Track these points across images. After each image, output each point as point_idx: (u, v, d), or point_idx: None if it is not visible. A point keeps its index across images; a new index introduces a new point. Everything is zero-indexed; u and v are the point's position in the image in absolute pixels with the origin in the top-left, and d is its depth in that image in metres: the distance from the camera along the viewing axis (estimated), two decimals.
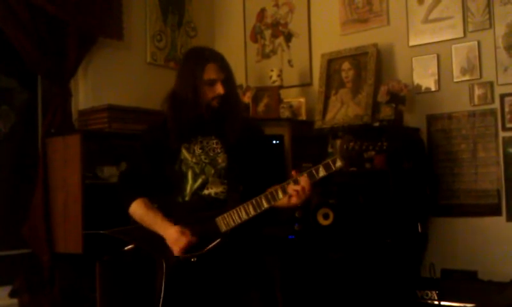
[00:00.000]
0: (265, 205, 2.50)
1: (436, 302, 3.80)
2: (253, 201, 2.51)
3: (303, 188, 2.46)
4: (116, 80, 4.64)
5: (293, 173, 2.51)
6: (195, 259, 2.53)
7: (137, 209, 2.64)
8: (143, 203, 2.64)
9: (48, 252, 3.93)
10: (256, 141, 2.78)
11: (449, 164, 4.30)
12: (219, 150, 2.66)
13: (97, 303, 3.82)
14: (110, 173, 4.12)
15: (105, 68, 4.56)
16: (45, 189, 3.98)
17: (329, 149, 4.35)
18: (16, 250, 4.06)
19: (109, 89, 4.54)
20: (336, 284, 3.96)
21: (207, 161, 2.63)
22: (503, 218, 4.08)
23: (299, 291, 4.07)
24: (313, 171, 2.48)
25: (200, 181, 2.61)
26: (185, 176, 2.62)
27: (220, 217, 2.53)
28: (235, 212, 2.52)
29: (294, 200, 2.49)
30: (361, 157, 2.50)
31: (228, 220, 2.52)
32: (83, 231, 3.80)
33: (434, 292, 3.82)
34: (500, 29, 4.12)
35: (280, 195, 2.48)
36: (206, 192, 2.61)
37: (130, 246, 2.74)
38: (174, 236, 2.52)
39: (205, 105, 2.62)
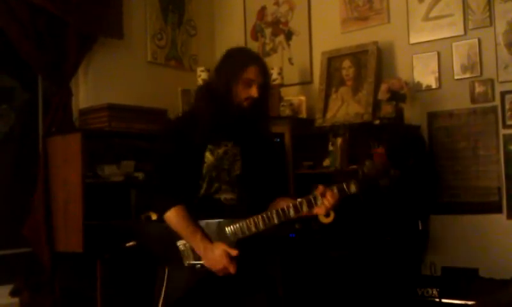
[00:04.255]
0: (276, 221, 2.45)
1: (437, 300, 3.79)
2: (264, 215, 2.46)
3: (330, 202, 2.44)
4: (116, 79, 4.64)
5: (320, 188, 2.46)
6: (200, 266, 2.51)
7: (175, 217, 2.51)
8: (182, 212, 2.51)
9: (49, 251, 3.94)
10: (270, 149, 2.76)
11: (450, 162, 4.30)
12: (238, 157, 2.60)
13: (98, 302, 3.83)
14: (110, 171, 4.12)
15: (105, 67, 4.56)
16: (45, 188, 3.99)
17: (330, 148, 4.36)
18: (17, 249, 4.07)
19: (110, 88, 4.55)
20: (338, 282, 3.96)
21: (225, 167, 2.58)
22: (503, 216, 4.08)
23: (301, 289, 4.07)
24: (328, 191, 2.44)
25: (215, 186, 2.56)
26: (203, 179, 2.56)
27: (230, 227, 2.49)
28: (244, 224, 2.46)
29: (319, 211, 2.47)
30: (377, 184, 2.48)
31: (236, 231, 2.47)
32: (83, 227, 3.82)
33: (435, 290, 3.82)
34: (501, 27, 4.12)
35: (292, 213, 2.44)
36: (217, 196, 2.58)
37: (131, 243, 2.71)
38: (222, 261, 2.44)
39: (236, 104, 2.56)
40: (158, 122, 4.51)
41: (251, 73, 2.57)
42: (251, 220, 2.46)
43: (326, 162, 4.40)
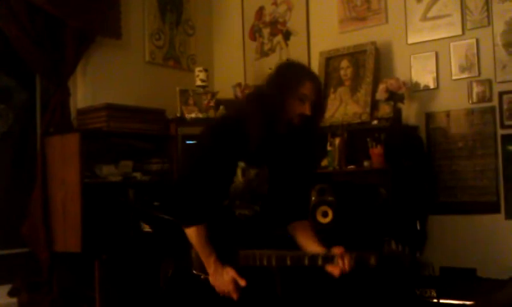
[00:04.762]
0: (288, 264, 2.43)
1: (435, 300, 3.80)
2: (279, 255, 2.44)
3: (345, 266, 2.38)
4: (114, 79, 4.64)
5: (340, 249, 2.41)
6: (204, 277, 2.52)
7: (196, 235, 2.50)
8: (203, 232, 2.50)
9: (47, 251, 3.93)
10: (303, 171, 2.70)
11: (448, 162, 4.31)
12: (267, 180, 2.57)
13: (96, 302, 3.83)
14: (109, 171, 4.12)
15: (103, 67, 4.56)
16: (43, 188, 3.98)
17: (328, 148, 4.36)
18: (15, 249, 4.06)
19: (108, 88, 4.55)
20: (335, 282, 3.96)
21: (254, 188, 2.54)
22: (502, 215, 4.09)
23: (299, 289, 4.07)
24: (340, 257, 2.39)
25: (237, 202, 2.54)
26: (227, 196, 2.54)
27: (243, 252, 2.49)
28: (257, 255, 2.45)
29: (333, 271, 2.42)
30: (398, 261, 2.47)
31: (247, 259, 2.47)
32: (82, 230, 3.81)
33: (433, 290, 3.82)
34: (499, 27, 4.12)
35: (306, 263, 2.41)
36: (233, 209, 2.55)
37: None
38: (228, 287, 2.45)
39: (287, 119, 2.47)
40: (156, 122, 4.51)
41: (307, 88, 2.47)
42: (265, 255, 2.45)
43: (325, 162, 4.40)
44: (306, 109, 2.46)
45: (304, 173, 2.70)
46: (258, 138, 2.45)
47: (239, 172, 2.51)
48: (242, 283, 2.43)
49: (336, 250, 2.39)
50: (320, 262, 2.41)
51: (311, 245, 2.55)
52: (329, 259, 2.40)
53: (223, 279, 2.45)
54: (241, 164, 2.51)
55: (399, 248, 2.42)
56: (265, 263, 2.44)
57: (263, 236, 2.55)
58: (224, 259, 2.48)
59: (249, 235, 2.53)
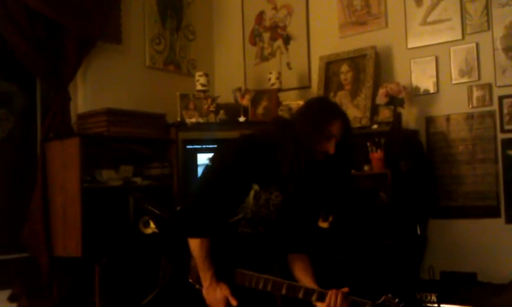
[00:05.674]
0: (283, 293, 2.45)
1: (436, 305, 3.79)
2: (275, 282, 2.46)
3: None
4: (114, 83, 4.64)
5: (337, 291, 2.42)
6: (198, 287, 2.54)
7: (199, 248, 2.51)
8: (206, 245, 2.52)
9: (47, 255, 3.93)
10: (315, 206, 2.71)
11: (448, 166, 4.30)
12: (278, 207, 2.58)
13: (96, 306, 3.83)
14: (109, 176, 4.11)
15: (104, 72, 4.56)
16: (43, 193, 3.98)
17: None
18: (15, 254, 4.05)
19: (108, 92, 4.55)
20: (335, 287, 3.95)
21: (262, 215, 2.56)
22: (502, 220, 4.08)
23: (300, 301, 4.06)
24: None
25: (242, 222, 2.56)
26: (235, 214, 2.56)
27: (240, 272, 2.51)
28: (254, 278, 2.48)
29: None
30: None
31: (243, 280, 2.50)
32: (82, 234, 3.81)
33: (433, 294, 3.82)
34: (498, 31, 4.13)
35: (300, 295, 2.43)
36: (239, 229, 2.58)
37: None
38: (219, 305, 2.48)
39: (310, 154, 2.50)
40: (156, 127, 4.51)
41: (335, 127, 2.49)
42: (261, 279, 2.47)
43: None
44: (330, 148, 2.48)
45: (316, 209, 2.74)
46: (291, 165, 2.47)
47: (251, 194, 2.53)
48: (234, 302, 2.45)
49: (331, 291, 2.41)
50: (314, 298, 2.43)
51: (307, 282, 2.56)
52: (323, 297, 2.41)
53: (216, 295, 2.48)
54: (255, 187, 2.53)
55: (396, 303, 2.46)
56: (260, 287, 2.46)
57: (262, 255, 2.56)
58: (221, 274, 2.51)
59: (248, 252, 2.55)
